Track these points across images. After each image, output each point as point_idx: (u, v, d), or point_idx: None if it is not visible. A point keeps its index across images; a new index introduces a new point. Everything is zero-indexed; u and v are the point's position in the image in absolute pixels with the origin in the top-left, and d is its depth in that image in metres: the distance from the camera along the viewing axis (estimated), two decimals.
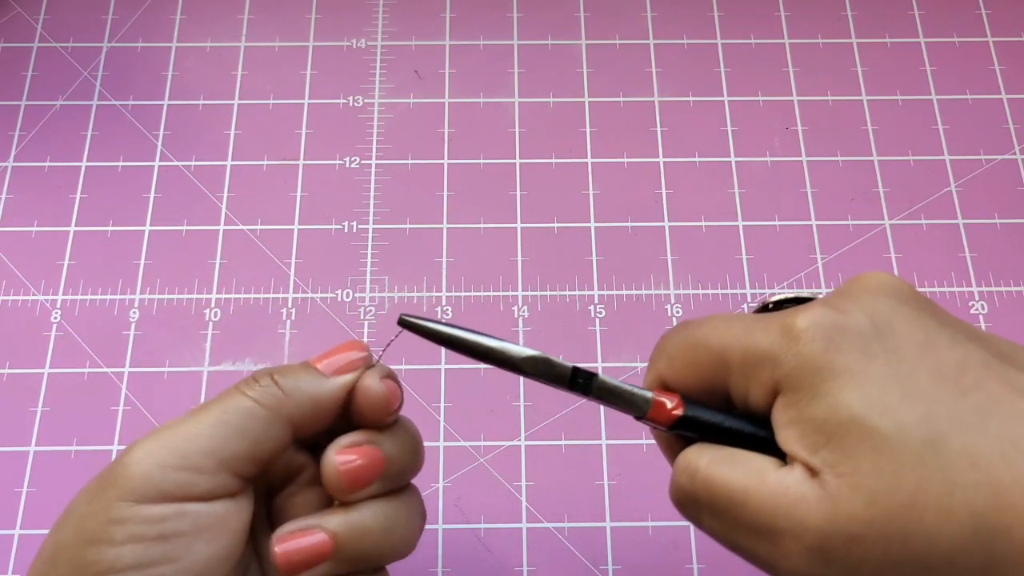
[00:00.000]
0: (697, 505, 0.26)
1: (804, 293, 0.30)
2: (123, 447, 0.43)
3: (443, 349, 0.47)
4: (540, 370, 0.27)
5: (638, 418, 0.27)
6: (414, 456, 0.30)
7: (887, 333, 0.24)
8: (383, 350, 0.30)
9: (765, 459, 0.25)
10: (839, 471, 0.22)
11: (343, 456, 0.28)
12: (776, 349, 0.24)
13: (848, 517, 0.22)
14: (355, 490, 0.28)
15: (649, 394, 0.27)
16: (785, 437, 0.24)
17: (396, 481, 0.30)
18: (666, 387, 0.28)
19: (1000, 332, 0.46)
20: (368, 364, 0.30)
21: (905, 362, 0.23)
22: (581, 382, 0.27)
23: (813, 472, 0.23)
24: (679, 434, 0.27)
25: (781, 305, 0.30)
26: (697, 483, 0.25)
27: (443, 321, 0.28)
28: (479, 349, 0.28)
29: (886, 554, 0.22)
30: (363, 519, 0.28)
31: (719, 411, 0.27)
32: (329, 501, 0.30)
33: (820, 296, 0.28)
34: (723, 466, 0.25)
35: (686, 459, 0.26)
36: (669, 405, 0.27)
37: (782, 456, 0.25)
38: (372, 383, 0.29)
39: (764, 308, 0.31)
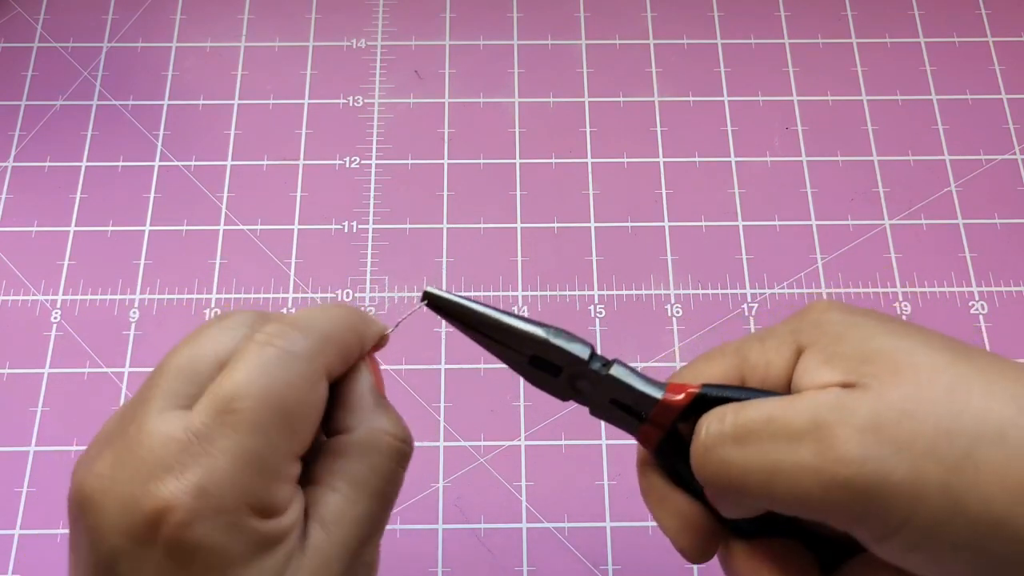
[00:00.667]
0: (728, 442, 0.25)
1: None
2: None
3: (443, 349, 0.47)
4: (562, 339, 0.28)
5: (644, 417, 0.27)
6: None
7: (893, 318, 0.26)
8: (396, 324, 0.30)
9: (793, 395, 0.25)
10: (879, 375, 0.23)
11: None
12: (796, 323, 0.26)
13: (897, 397, 0.23)
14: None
15: (663, 384, 0.27)
16: (814, 374, 0.25)
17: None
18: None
19: (1000, 332, 0.46)
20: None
21: (920, 330, 0.25)
22: (600, 364, 0.27)
23: (850, 385, 0.24)
24: (691, 420, 0.26)
25: None
26: (726, 424, 0.25)
27: (466, 296, 0.28)
28: (504, 329, 0.27)
29: (938, 427, 0.22)
30: None
31: (733, 388, 0.27)
32: None
33: None
34: (752, 404, 0.25)
35: (710, 415, 0.26)
36: (689, 387, 0.26)
37: None
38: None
39: None
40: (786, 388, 0.26)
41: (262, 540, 0.24)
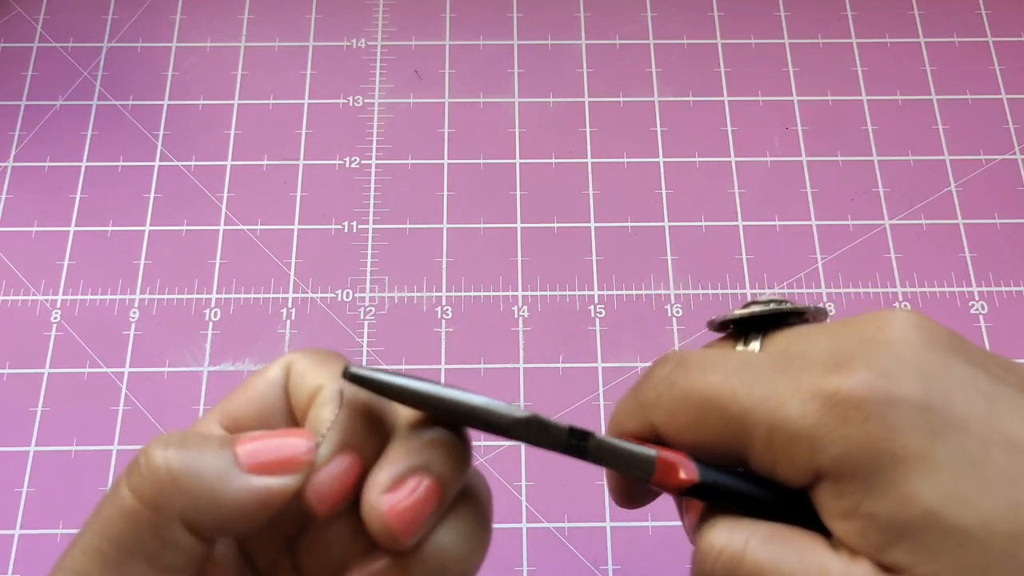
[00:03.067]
0: None
1: (770, 307, 0.25)
2: (123, 448, 0.43)
3: (443, 347, 0.47)
4: (531, 434, 0.22)
5: (643, 480, 0.23)
6: (468, 456, 0.24)
7: (946, 404, 0.20)
8: (325, 433, 0.23)
9: (815, 541, 0.21)
10: (919, 572, 0.20)
11: (389, 499, 0.22)
12: (817, 429, 0.20)
13: None
14: (412, 535, 0.22)
15: (652, 453, 0.23)
16: (843, 531, 0.21)
17: (453, 496, 0.23)
18: (659, 439, 0.24)
19: (1000, 332, 0.46)
20: (310, 469, 0.22)
21: (974, 438, 0.20)
22: (575, 443, 0.23)
23: (885, 569, 0.20)
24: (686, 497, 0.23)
25: (746, 323, 0.25)
26: (744, 573, 0.21)
27: (402, 373, 0.22)
28: (454, 408, 0.22)
29: None
30: (427, 555, 0.22)
31: (736, 474, 0.23)
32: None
33: (791, 307, 0.25)
34: (770, 551, 0.21)
35: (718, 542, 0.22)
36: (682, 474, 0.23)
37: (815, 520, 0.22)
38: (372, 502, 0.22)
39: (724, 326, 0.26)
40: (800, 489, 0.22)
41: None
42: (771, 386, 0.21)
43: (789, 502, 0.22)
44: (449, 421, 0.23)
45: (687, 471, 0.23)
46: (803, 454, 0.21)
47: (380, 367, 0.23)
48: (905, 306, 0.47)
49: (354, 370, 0.22)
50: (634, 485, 0.26)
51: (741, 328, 0.25)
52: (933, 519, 0.19)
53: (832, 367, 0.21)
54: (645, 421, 0.24)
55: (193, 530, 0.21)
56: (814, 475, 0.21)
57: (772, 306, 0.25)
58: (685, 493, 0.23)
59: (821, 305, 0.26)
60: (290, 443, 0.22)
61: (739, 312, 0.25)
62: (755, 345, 0.25)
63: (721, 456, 0.22)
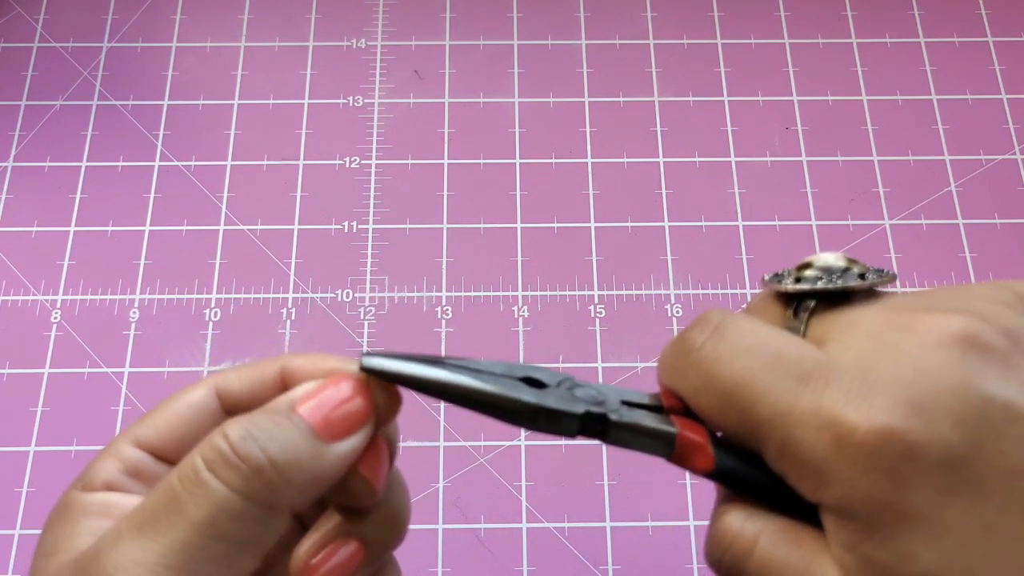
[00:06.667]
0: None
1: (818, 285, 0.24)
2: None
3: (443, 348, 0.47)
4: (545, 425, 0.22)
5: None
6: (401, 526, 0.25)
7: (972, 460, 0.19)
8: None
9: (826, 547, 0.21)
10: None
11: (319, 564, 0.23)
12: (825, 464, 0.20)
13: None
14: None
15: (673, 431, 0.22)
16: (841, 558, 0.20)
17: (379, 558, 0.25)
18: (684, 407, 0.24)
19: None
20: (371, 417, 0.23)
21: (993, 500, 0.19)
22: (594, 428, 0.22)
23: None
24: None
25: (806, 299, 0.24)
26: (752, 566, 0.21)
27: (418, 357, 0.22)
28: (468, 398, 0.22)
29: None
30: None
31: (753, 464, 0.22)
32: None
33: (843, 287, 0.23)
34: (780, 550, 0.21)
35: (731, 529, 0.22)
36: (697, 462, 0.23)
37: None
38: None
39: (784, 288, 0.25)
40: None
41: None
42: (792, 399, 0.20)
43: (803, 502, 0.22)
44: (465, 408, 0.23)
45: (703, 459, 0.22)
46: (808, 482, 0.20)
47: (395, 352, 0.22)
48: None
49: (369, 363, 0.22)
50: None
51: (793, 297, 0.25)
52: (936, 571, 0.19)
53: (856, 393, 0.20)
54: (674, 385, 0.23)
55: (295, 511, 0.22)
56: (818, 500, 0.20)
57: (821, 284, 0.24)
58: (703, 475, 0.23)
59: (884, 270, 0.24)
60: (344, 395, 0.22)
61: (791, 288, 0.24)
62: (801, 319, 0.24)
63: (739, 441, 0.22)
